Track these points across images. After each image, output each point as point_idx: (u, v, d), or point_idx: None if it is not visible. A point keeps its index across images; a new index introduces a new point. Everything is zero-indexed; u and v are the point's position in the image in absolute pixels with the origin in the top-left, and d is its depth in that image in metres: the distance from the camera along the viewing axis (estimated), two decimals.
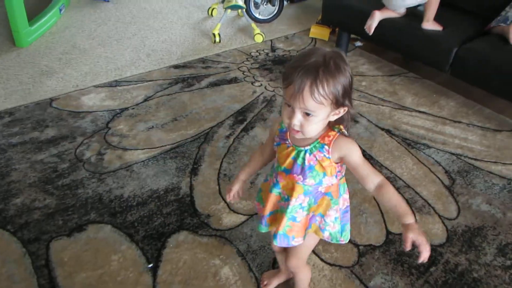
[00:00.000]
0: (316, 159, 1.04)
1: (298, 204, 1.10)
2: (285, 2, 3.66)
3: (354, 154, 1.03)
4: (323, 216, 1.14)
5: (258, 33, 3.25)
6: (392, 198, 1.04)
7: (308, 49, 0.97)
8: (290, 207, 1.10)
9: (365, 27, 2.74)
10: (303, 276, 1.41)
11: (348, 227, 1.20)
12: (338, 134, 1.04)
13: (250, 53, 3.09)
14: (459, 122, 2.47)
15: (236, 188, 1.28)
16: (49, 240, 1.65)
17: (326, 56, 0.92)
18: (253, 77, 2.79)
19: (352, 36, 3.17)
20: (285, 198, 1.13)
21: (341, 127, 1.04)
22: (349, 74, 0.95)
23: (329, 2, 3.03)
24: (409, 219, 1.01)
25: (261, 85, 2.71)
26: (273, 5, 3.56)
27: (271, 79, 2.78)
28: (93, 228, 1.70)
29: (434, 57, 2.52)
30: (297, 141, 1.05)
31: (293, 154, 1.05)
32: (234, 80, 2.74)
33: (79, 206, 1.79)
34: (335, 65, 0.92)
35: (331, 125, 1.04)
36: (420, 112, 2.53)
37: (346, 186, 1.17)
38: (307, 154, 1.04)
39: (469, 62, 2.38)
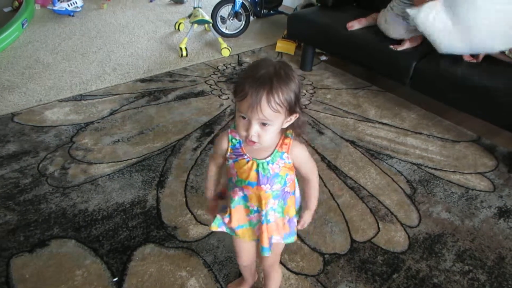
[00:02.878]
0: (279, 166, 1.08)
1: (269, 208, 1.14)
2: (251, 17, 3.73)
3: (306, 159, 1.14)
4: (297, 216, 1.23)
5: (225, 47, 3.29)
6: (311, 193, 1.21)
7: (255, 62, 1.00)
8: (263, 215, 1.14)
9: (347, 24, 2.83)
10: (277, 276, 1.43)
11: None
12: (292, 139, 1.08)
13: (217, 67, 3.13)
14: (420, 133, 2.56)
15: (215, 208, 1.28)
16: (9, 257, 1.60)
17: (276, 66, 0.95)
18: (220, 90, 2.82)
19: (318, 50, 3.26)
20: (255, 210, 1.15)
21: (290, 131, 1.07)
22: (298, 81, 0.98)
23: (293, 17, 3.10)
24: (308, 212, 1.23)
25: (228, 98, 2.73)
26: (240, 20, 3.62)
27: None
28: (56, 243, 1.66)
29: (395, 71, 2.62)
30: (255, 153, 1.07)
31: (255, 167, 1.07)
32: (201, 93, 2.76)
33: (42, 221, 1.75)
34: (285, 73, 0.95)
35: (283, 132, 1.07)
36: (383, 123, 2.61)
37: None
38: (270, 165, 1.07)
39: (427, 76, 2.49)
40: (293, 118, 1.02)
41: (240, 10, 3.56)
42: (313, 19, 3.01)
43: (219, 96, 2.74)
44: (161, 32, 3.67)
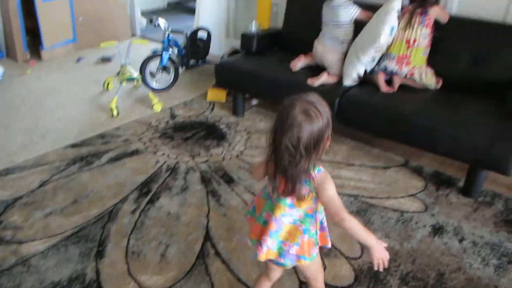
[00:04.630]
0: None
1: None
2: (180, 69, 3.78)
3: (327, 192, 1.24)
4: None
5: (157, 102, 3.30)
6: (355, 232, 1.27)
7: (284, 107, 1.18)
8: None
9: (291, 65, 2.98)
10: None
11: None
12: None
13: (150, 123, 3.12)
14: (352, 164, 2.67)
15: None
16: None
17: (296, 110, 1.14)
18: (155, 146, 2.80)
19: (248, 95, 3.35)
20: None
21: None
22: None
23: (220, 66, 3.19)
24: (373, 241, 1.27)
25: (164, 154, 2.72)
26: (169, 73, 3.66)
27: (173, 147, 2.81)
28: None
29: None
30: None
31: None
32: (136, 152, 2.72)
33: None
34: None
35: None
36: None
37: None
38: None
39: (350, 109, 2.63)
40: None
41: (168, 64, 3.61)
42: (239, 66, 3.11)
43: (154, 153, 2.72)
44: (90, 93, 3.62)
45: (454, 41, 2.66)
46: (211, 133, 3.01)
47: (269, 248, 1.31)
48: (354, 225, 1.24)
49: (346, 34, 2.84)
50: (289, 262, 1.34)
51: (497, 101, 2.48)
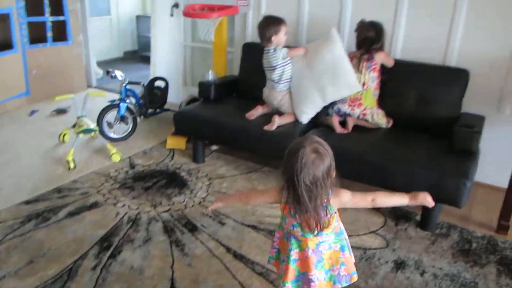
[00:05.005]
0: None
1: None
2: (138, 119, 3.78)
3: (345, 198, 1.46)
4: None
5: (115, 153, 3.26)
6: (388, 203, 1.52)
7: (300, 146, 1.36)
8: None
9: (247, 115, 3.04)
10: None
11: None
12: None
13: (109, 174, 3.06)
14: None
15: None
16: None
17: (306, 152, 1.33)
18: (115, 198, 2.75)
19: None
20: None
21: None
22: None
23: (179, 115, 3.22)
24: (406, 199, 1.50)
25: (124, 205, 2.67)
26: (127, 123, 3.65)
27: (134, 197, 2.76)
28: None
29: (279, 152, 2.79)
30: None
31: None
32: (95, 205, 2.66)
33: None
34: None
35: None
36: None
37: None
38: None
39: None
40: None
41: (125, 114, 3.60)
42: (197, 114, 3.16)
43: (114, 205, 2.66)
44: (45, 146, 3.53)
45: (401, 83, 2.85)
46: (172, 181, 3.00)
47: (319, 280, 1.41)
48: (383, 198, 1.48)
49: (280, 74, 2.99)
50: (345, 283, 1.44)
51: (443, 138, 2.64)
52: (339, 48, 2.79)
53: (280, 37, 2.94)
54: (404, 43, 3.05)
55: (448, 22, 2.85)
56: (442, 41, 2.91)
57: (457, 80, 2.71)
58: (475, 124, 2.49)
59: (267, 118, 2.97)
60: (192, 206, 2.69)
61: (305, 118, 2.92)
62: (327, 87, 2.79)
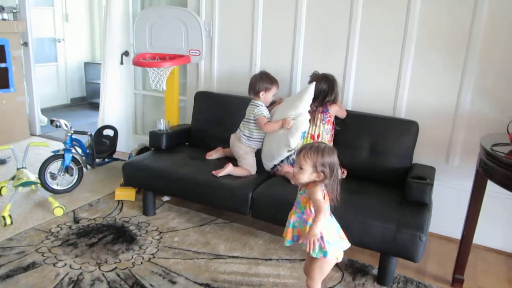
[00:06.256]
0: (302, 197, 1.97)
1: (294, 220, 2.02)
2: (85, 169, 3.59)
3: (314, 197, 1.86)
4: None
5: (58, 206, 3.04)
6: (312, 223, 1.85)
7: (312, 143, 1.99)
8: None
9: (206, 155, 3.08)
10: None
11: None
12: (313, 185, 1.89)
13: (50, 230, 2.83)
14: (270, 259, 2.63)
15: None
16: None
17: (321, 144, 1.92)
18: (55, 257, 2.52)
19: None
20: (288, 220, 2.06)
21: (321, 184, 1.89)
22: (331, 158, 1.88)
23: (128, 166, 3.08)
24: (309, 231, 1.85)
25: (65, 264, 2.45)
26: (72, 174, 3.45)
27: (77, 255, 2.55)
28: None
29: (234, 204, 2.72)
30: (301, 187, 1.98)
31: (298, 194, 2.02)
32: (32, 266, 2.42)
33: None
34: (323, 149, 1.88)
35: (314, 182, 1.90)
36: (233, 257, 2.63)
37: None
38: (299, 195, 2.00)
39: (263, 203, 2.64)
40: (320, 176, 1.87)
41: (70, 165, 3.41)
42: (148, 165, 3.03)
43: (54, 265, 2.44)
44: None
45: (354, 135, 2.88)
46: (119, 236, 2.81)
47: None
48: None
49: (251, 130, 2.93)
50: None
51: (396, 187, 2.68)
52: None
53: (268, 96, 2.93)
54: (354, 95, 3.14)
55: (395, 74, 2.97)
56: (391, 93, 3.02)
57: (407, 131, 2.78)
58: (427, 176, 2.54)
59: (225, 162, 2.91)
60: (141, 263, 2.52)
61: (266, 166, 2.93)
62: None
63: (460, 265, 2.52)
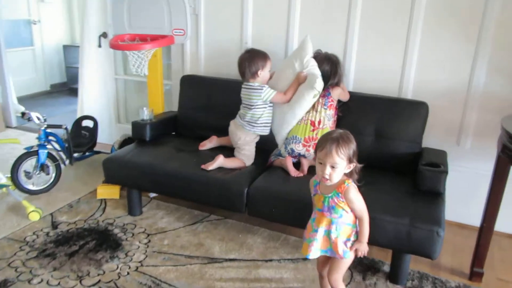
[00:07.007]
0: (335, 201, 1.72)
1: (329, 229, 1.77)
2: (62, 166, 3.28)
3: (355, 201, 1.73)
4: (349, 239, 1.78)
5: (33, 210, 2.74)
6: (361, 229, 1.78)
7: (329, 131, 2.02)
8: (325, 231, 1.77)
9: (199, 145, 2.85)
10: None
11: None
12: (346, 186, 1.71)
13: (24, 239, 2.54)
14: (271, 260, 2.39)
15: None
16: None
17: (341, 133, 1.71)
18: (31, 271, 2.24)
19: None
20: (314, 230, 1.78)
21: (350, 180, 1.73)
22: (354, 143, 1.71)
23: (109, 162, 2.76)
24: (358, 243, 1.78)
25: (42, 280, 2.18)
26: (48, 172, 3.14)
27: (55, 268, 2.27)
28: None
29: (228, 201, 2.45)
30: (324, 190, 1.75)
31: (322, 199, 1.75)
32: (4, 285, 2.14)
33: None
34: (347, 137, 1.70)
35: (344, 178, 1.73)
36: (230, 260, 2.38)
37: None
38: (329, 199, 1.73)
39: (260, 199, 2.37)
40: (351, 166, 1.71)
41: (46, 162, 3.10)
42: (130, 160, 2.72)
43: (28, 282, 2.16)
44: None
45: (357, 119, 2.60)
46: (103, 242, 2.54)
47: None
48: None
49: (256, 116, 2.62)
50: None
51: (406, 175, 2.43)
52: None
53: (265, 73, 2.61)
54: (356, 73, 2.84)
55: (402, 49, 2.68)
56: (397, 71, 2.73)
57: (416, 113, 2.50)
58: (440, 163, 2.28)
59: (217, 154, 2.61)
60: (127, 274, 2.25)
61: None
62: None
63: (479, 257, 2.29)
